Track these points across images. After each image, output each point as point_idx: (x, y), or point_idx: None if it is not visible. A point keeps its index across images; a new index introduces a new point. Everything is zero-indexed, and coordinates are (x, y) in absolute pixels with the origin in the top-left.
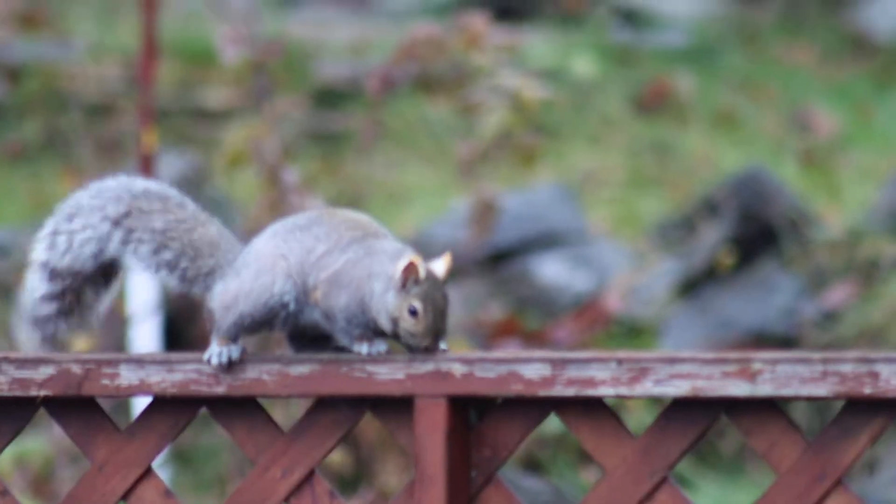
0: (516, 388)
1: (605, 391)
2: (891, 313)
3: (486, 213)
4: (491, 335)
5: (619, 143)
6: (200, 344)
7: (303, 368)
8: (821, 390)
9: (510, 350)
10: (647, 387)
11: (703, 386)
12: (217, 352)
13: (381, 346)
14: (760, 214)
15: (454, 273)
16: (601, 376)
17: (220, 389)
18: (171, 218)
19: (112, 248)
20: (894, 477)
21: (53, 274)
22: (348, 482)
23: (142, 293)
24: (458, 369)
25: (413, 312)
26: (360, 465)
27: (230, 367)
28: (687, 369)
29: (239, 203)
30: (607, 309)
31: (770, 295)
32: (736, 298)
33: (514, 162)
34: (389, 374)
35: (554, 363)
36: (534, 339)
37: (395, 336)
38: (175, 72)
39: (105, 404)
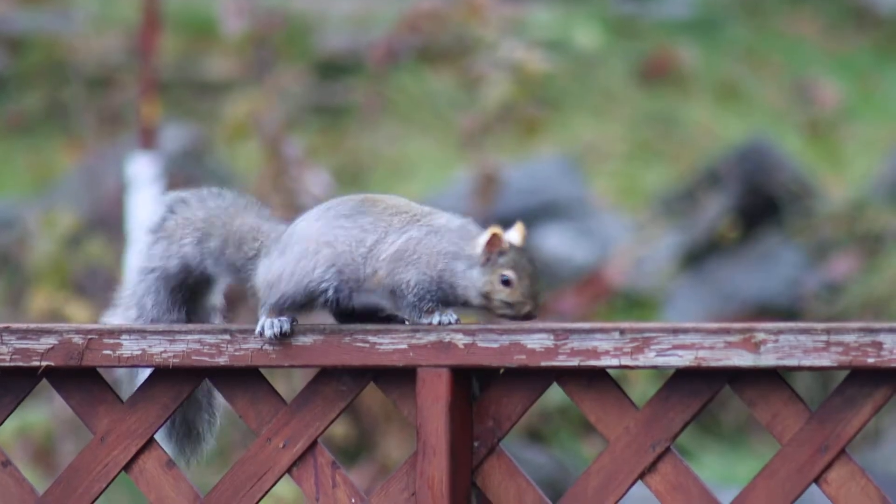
0: (519, 359)
1: (607, 362)
2: (894, 284)
3: (488, 184)
4: None
5: (621, 114)
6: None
7: (305, 339)
8: (824, 361)
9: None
10: (650, 357)
11: (705, 356)
12: (269, 323)
13: (451, 316)
14: (763, 186)
15: None
16: (604, 347)
17: (221, 360)
18: (211, 205)
19: (158, 258)
20: None
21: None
22: (351, 453)
23: None
24: (460, 340)
25: (507, 282)
26: (362, 436)
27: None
28: (690, 340)
29: (240, 175)
30: (610, 280)
31: (773, 266)
32: (739, 270)
33: (516, 134)
34: (392, 345)
35: (556, 334)
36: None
37: (486, 310)
38: (176, 44)
39: (107, 375)
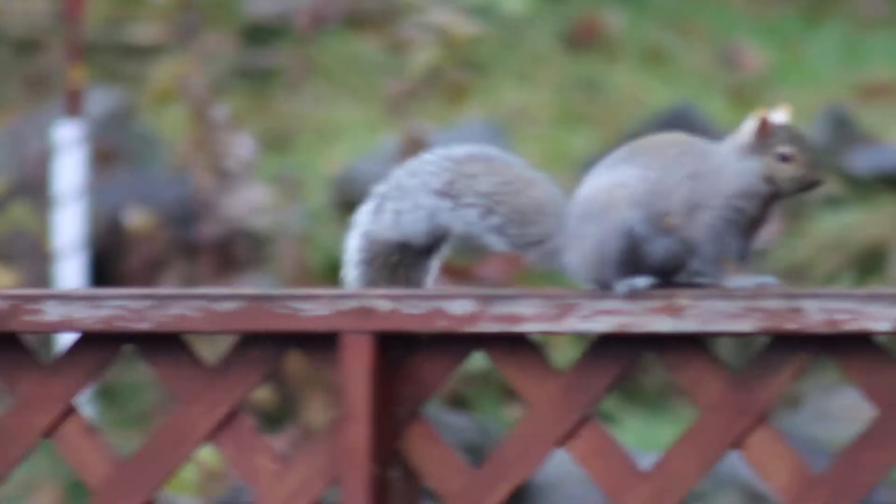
0: (442, 325)
1: (530, 327)
2: (816, 250)
3: (414, 149)
4: None
5: (548, 79)
6: (127, 280)
7: (228, 305)
8: (745, 326)
9: (437, 287)
10: (573, 323)
11: (627, 322)
12: (627, 283)
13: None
14: None
15: None
16: (527, 312)
17: (144, 326)
18: (497, 180)
19: (443, 219)
20: (817, 412)
21: (372, 244)
22: (273, 418)
23: (68, 229)
24: (383, 305)
25: (785, 158)
26: (285, 401)
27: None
28: (612, 305)
29: (166, 140)
30: None
31: None
32: None
33: (443, 98)
34: (315, 311)
35: (480, 299)
36: (461, 275)
37: (777, 197)
38: (103, 7)
39: (31, 340)
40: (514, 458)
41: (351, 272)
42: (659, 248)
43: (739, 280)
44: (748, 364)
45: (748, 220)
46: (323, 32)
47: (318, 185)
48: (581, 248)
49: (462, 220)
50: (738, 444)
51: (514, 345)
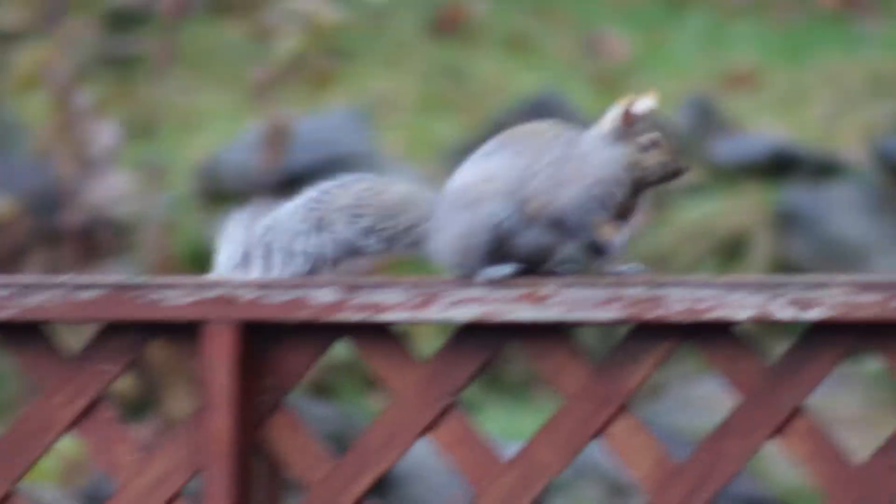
0: (306, 314)
1: (394, 316)
2: (679, 238)
3: (278, 137)
4: None
5: (412, 66)
6: None
7: (90, 293)
8: (608, 314)
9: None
10: (436, 311)
11: (491, 310)
12: (490, 270)
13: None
14: None
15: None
16: (390, 301)
17: (5, 314)
18: (356, 189)
19: (314, 246)
20: (679, 401)
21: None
22: (136, 407)
23: None
24: (246, 294)
25: (647, 146)
26: (148, 390)
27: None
28: (476, 294)
29: (30, 126)
30: None
31: None
32: None
33: (308, 86)
34: (178, 299)
35: (344, 288)
36: None
37: (642, 186)
38: None
39: None
40: (377, 447)
41: None
42: (528, 239)
43: (608, 268)
44: (611, 353)
45: (615, 205)
46: (187, 19)
47: (183, 172)
48: (449, 238)
49: (330, 238)
50: (600, 433)
51: (378, 334)
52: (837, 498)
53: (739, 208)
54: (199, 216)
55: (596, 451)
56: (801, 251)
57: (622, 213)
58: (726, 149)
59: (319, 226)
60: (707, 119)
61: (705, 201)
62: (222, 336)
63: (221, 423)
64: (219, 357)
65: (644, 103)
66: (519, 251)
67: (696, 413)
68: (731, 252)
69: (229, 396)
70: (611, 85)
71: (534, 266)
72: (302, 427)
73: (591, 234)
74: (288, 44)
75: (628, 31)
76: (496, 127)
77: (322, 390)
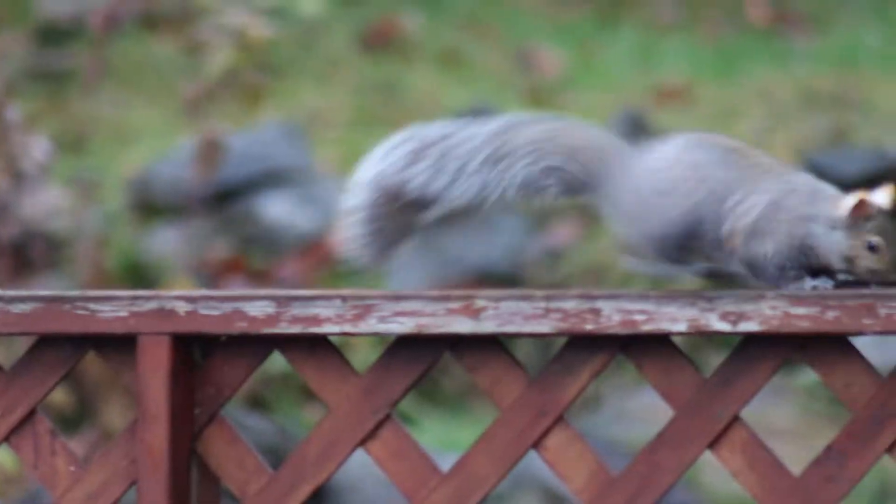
0: (240, 326)
1: (329, 329)
2: (612, 251)
3: (211, 152)
4: (216, 274)
5: (345, 81)
6: None
7: (24, 306)
8: (543, 327)
9: (235, 288)
10: (372, 324)
11: (427, 323)
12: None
13: (827, 282)
14: None
15: (179, 212)
16: (325, 314)
17: None
18: (540, 128)
19: (490, 175)
20: (615, 413)
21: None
22: (71, 421)
23: None
24: (182, 307)
25: (872, 248)
26: (83, 403)
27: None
28: (411, 306)
29: None
30: (332, 248)
31: (495, 234)
32: (461, 237)
33: (240, 101)
34: (112, 312)
35: (278, 301)
36: (259, 277)
37: (847, 273)
38: None
39: None
40: (313, 459)
41: (357, 217)
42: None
43: (807, 281)
44: (547, 365)
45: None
46: (118, 34)
47: (115, 187)
48: (645, 218)
49: (509, 172)
50: (536, 444)
51: (314, 346)
52: None
53: None
54: (131, 230)
55: (533, 463)
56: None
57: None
58: None
59: (499, 156)
60: (639, 134)
61: None
62: (157, 348)
63: (157, 435)
64: (154, 369)
65: (880, 196)
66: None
67: (633, 425)
68: None
69: (165, 409)
70: (543, 99)
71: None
72: (238, 439)
73: (779, 283)
74: (220, 59)
75: (560, 45)
76: None
77: (258, 403)
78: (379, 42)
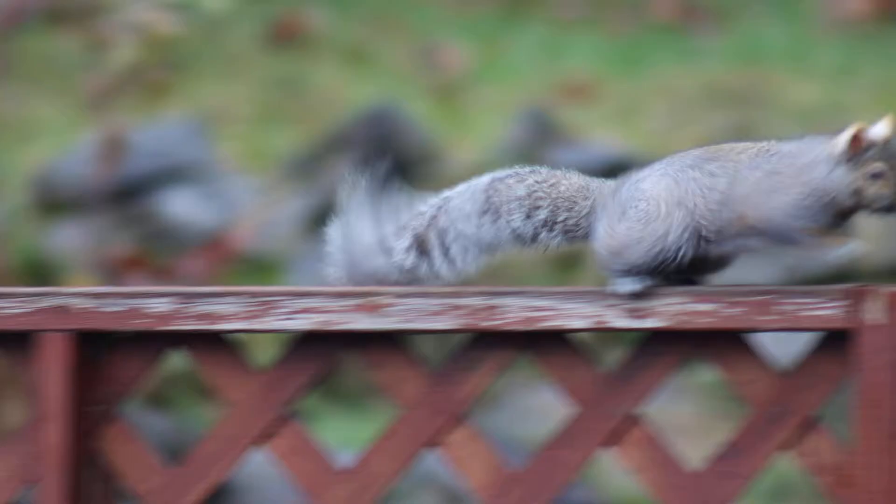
0: (142, 323)
1: (230, 325)
2: None
3: (114, 147)
4: (118, 270)
5: (250, 77)
6: None
7: None
8: (444, 324)
9: (137, 285)
10: (272, 321)
11: (329, 319)
12: (622, 281)
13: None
14: (391, 149)
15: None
16: (227, 311)
17: None
18: (530, 181)
19: (488, 235)
20: (518, 411)
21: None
22: None
23: None
24: (82, 304)
25: (876, 176)
26: None
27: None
28: (314, 303)
29: None
30: (235, 244)
31: None
32: None
33: (144, 97)
34: (11, 309)
35: (180, 297)
36: (162, 273)
37: (855, 211)
38: None
39: None
40: (212, 457)
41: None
42: (714, 253)
43: (829, 248)
44: (447, 362)
45: (825, 221)
46: (21, 29)
47: (17, 183)
48: (613, 237)
49: (507, 227)
50: (436, 442)
51: (214, 343)
52: None
53: None
54: (33, 227)
55: (433, 460)
56: None
57: (835, 222)
58: (562, 159)
59: (497, 214)
60: (544, 130)
61: None
62: (56, 346)
63: (55, 433)
64: (53, 367)
65: (878, 129)
66: (679, 266)
67: (535, 422)
68: (568, 262)
69: (63, 406)
70: (449, 96)
71: (691, 274)
72: (136, 437)
73: (797, 242)
74: (123, 54)
75: (466, 42)
76: (335, 137)
77: (158, 400)
78: (284, 38)
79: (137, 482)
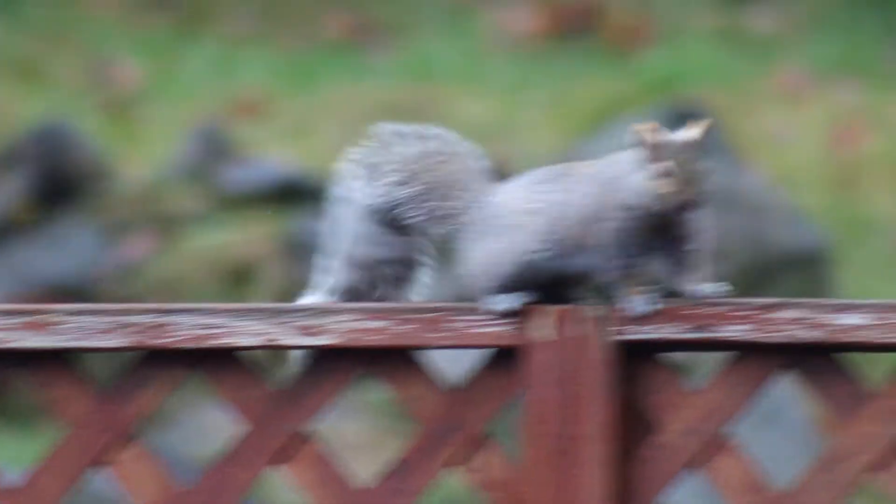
0: None
1: None
2: (188, 266)
3: None
4: None
5: None
6: None
7: None
8: (113, 342)
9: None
10: None
11: None
12: (497, 300)
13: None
14: (60, 167)
15: None
16: None
17: None
18: (418, 149)
19: (360, 197)
20: (192, 430)
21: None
22: None
23: None
24: None
25: (665, 174)
26: None
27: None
28: None
29: None
30: None
31: (68, 247)
32: (36, 252)
33: None
34: None
35: None
36: None
37: (666, 213)
38: None
39: None
40: None
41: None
42: (561, 267)
43: (696, 287)
44: (117, 380)
45: (648, 231)
46: None
47: None
48: (482, 257)
49: (377, 192)
50: (104, 461)
51: None
52: None
53: (248, 236)
54: None
55: (105, 479)
56: (309, 279)
57: (676, 236)
58: (235, 177)
59: (373, 174)
60: (217, 147)
61: (214, 229)
62: None
63: None
64: None
65: (688, 132)
66: (543, 279)
67: (209, 441)
68: (240, 280)
69: None
70: (121, 112)
71: (562, 292)
72: None
73: (627, 261)
74: None
75: (139, 57)
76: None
77: None
78: None
79: None
